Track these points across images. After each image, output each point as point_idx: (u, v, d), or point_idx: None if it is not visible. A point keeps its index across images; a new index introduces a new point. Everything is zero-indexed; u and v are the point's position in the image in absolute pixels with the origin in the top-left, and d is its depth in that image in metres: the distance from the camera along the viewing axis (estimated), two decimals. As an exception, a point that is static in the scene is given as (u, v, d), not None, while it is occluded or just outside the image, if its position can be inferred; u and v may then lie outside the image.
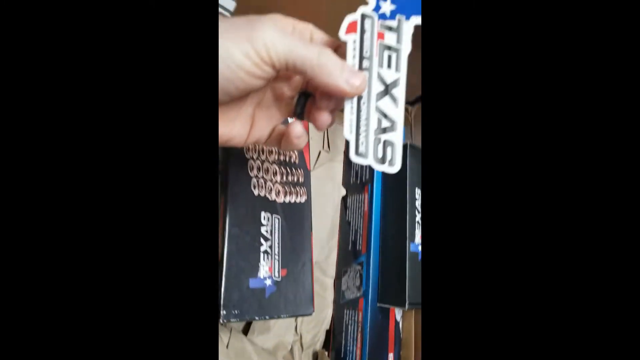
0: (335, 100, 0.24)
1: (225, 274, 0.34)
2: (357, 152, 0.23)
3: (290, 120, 0.27)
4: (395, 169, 0.23)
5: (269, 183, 0.40)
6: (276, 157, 0.41)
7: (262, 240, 0.37)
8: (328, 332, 0.45)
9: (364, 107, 0.23)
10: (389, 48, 0.23)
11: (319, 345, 0.44)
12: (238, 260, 0.35)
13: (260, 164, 0.40)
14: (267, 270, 0.36)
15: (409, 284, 0.37)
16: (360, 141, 0.23)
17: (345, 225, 0.49)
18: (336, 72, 0.22)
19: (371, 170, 0.48)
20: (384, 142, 0.23)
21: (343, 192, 0.50)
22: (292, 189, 0.41)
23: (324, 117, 0.24)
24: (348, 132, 0.23)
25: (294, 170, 0.42)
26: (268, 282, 0.35)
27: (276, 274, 0.36)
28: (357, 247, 0.45)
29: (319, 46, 0.22)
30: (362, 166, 0.49)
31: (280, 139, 0.26)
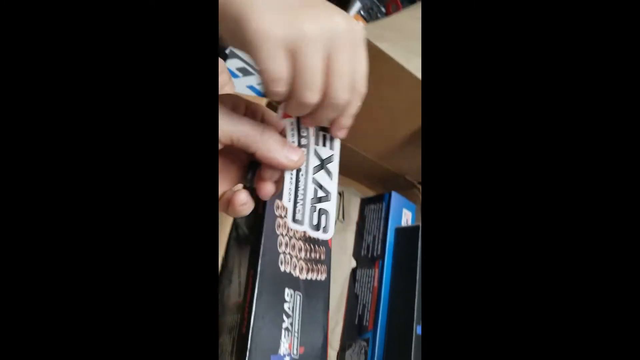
0: (279, 172, 0.27)
1: (249, 350, 0.36)
2: (294, 219, 0.26)
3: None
4: (328, 235, 0.27)
5: (294, 259, 0.43)
6: (302, 234, 0.44)
7: (284, 317, 0.39)
8: None
9: (302, 179, 0.27)
10: (324, 129, 0.27)
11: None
12: (262, 336, 0.37)
13: (288, 240, 0.42)
14: (287, 347, 0.38)
15: None
16: (297, 209, 0.26)
17: (352, 298, 0.52)
18: (277, 149, 0.25)
19: (383, 245, 0.51)
20: (319, 210, 0.27)
21: (353, 263, 0.53)
22: (314, 266, 0.44)
23: (268, 186, 0.27)
24: (287, 200, 0.26)
25: (316, 247, 0.45)
26: (287, 359, 0.37)
27: (295, 352, 0.38)
28: (364, 322, 0.48)
29: (263, 125, 0.25)
30: (374, 240, 0.53)
31: (227, 205, 0.28)
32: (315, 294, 0.42)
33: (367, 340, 0.46)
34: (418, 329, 0.42)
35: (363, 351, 0.45)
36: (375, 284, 0.49)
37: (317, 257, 0.44)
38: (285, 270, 0.41)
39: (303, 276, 0.42)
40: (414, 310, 0.43)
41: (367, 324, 0.47)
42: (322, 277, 0.44)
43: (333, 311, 0.50)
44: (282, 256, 0.41)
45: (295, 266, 0.42)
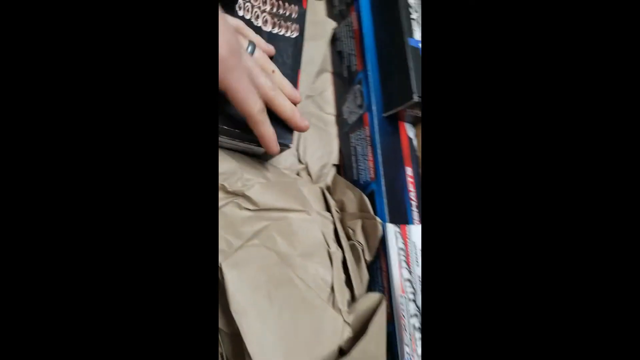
0: None
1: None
2: None
3: None
4: None
5: (256, 9, 0.38)
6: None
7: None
8: (338, 168, 0.47)
9: None
10: None
11: (329, 180, 0.45)
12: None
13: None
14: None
15: (414, 76, 0.37)
16: None
17: (336, 58, 0.48)
18: None
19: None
20: None
21: (333, 23, 0.49)
22: (282, 22, 0.39)
23: None
24: None
25: (286, 4, 0.40)
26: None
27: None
28: (352, 69, 0.45)
29: None
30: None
31: None
32: (282, 49, 0.38)
33: (360, 82, 0.43)
34: (411, 41, 0.38)
35: (358, 93, 0.43)
36: (355, 26, 0.45)
37: (287, 14, 0.40)
38: (244, 16, 0.37)
39: (267, 29, 0.38)
40: (401, 24, 0.39)
41: (355, 68, 0.44)
42: (292, 34, 0.39)
43: (315, 75, 0.47)
44: (240, 1, 0.37)
45: (258, 17, 0.38)
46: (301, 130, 0.35)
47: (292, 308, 0.27)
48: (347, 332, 0.28)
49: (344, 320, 0.29)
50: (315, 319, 0.27)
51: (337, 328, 0.27)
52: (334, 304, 0.29)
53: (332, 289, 0.30)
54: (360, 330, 0.29)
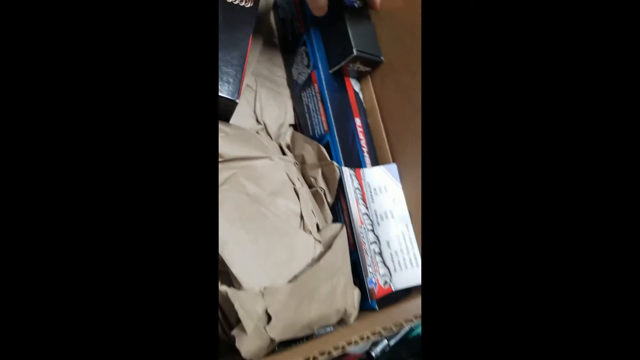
0: None
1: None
2: None
3: None
4: None
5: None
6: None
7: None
8: (295, 127, 0.50)
9: None
10: None
11: (288, 138, 0.49)
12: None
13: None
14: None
15: (352, 33, 0.41)
16: None
17: (280, 24, 0.51)
18: None
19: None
20: None
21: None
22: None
23: None
24: None
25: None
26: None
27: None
28: (296, 31, 0.48)
29: None
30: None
31: None
32: (235, 17, 0.40)
33: (304, 44, 0.47)
34: (346, 1, 0.42)
35: (304, 55, 0.47)
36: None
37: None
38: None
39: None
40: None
41: (298, 30, 0.48)
42: (247, 4, 0.42)
43: (260, 45, 0.50)
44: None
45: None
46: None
47: (266, 235, 0.31)
48: (319, 248, 0.32)
49: (315, 239, 0.33)
50: (289, 241, 0.31)
51: (309, 245, 0.32)
52: (304, 228, 0.34)
53: (302, 217, 0.34)
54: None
